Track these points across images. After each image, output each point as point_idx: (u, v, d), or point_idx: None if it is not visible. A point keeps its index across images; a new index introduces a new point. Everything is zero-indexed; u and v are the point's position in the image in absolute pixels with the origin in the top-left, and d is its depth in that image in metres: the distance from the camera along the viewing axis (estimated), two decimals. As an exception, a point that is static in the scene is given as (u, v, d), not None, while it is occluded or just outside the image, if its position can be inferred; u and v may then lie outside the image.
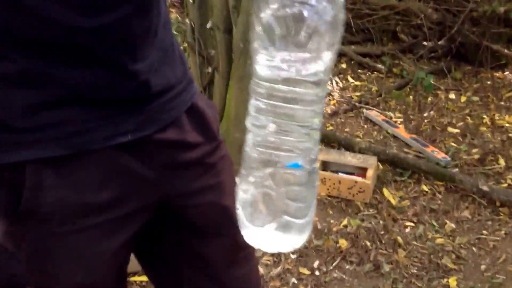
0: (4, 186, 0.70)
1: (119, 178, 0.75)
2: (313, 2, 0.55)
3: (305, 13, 0.54)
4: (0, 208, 0.73)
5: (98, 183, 0.73)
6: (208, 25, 2.48)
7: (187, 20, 2.61)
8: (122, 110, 0.72)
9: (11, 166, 0.69)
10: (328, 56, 0.58)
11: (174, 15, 4.42)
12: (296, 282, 1.92)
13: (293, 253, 2.05)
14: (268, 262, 2.00)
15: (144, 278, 1.81)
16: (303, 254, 2.06)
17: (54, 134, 0.69)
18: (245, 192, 0.63)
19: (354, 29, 4.35)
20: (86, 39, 0.66)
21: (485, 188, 2.47)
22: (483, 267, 2.04)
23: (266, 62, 0.57)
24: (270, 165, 0.61)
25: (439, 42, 4.16)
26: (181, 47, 2.80)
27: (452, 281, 1.94)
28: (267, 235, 0.63)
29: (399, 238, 2.17)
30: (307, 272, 1.97)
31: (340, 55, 4.21)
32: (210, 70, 2.54)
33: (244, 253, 0.90)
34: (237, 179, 0.65)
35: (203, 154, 0.84)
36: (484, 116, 3.34)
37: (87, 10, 0.65)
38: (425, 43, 4.22)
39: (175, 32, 2.85)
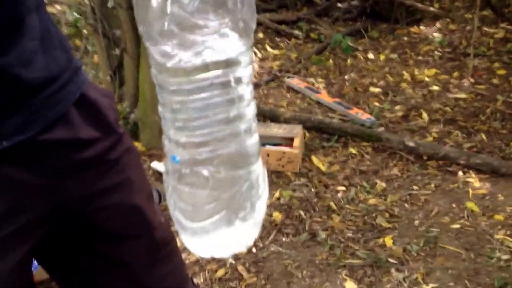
0: None
1: (4, 191, 0.67)
2: None
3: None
4: None
5: None
6: (110, 4, 2.36)
7: (86, 1, 2.48)
8: None
9: None
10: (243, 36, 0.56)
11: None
12: (233, 262, 1.90)
13: (226, 233, 2.02)
14: (202, 246, 1.97)
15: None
16: (237, 233, 2.04)
17: None
18: (174, 199, 0.62)
19: (267, -3, 4.34)
20: None
21: (411, 144, 2.55)
22: (416, 222, 2.11)
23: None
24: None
25: (353, 2, 4.23)
26: (84, 31, 2.64)
27: (388, 240, 1.99)
28: (202, 241, 0.62)
29: (332, 203, 2.20)
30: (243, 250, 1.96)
31: (256, 25, 4.18)
32: (118, 51, 2.43)
33: (166, 250, 0.85)
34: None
35: (102, 150, 0.76)
36: (404, 73, 3.44)
37: None
38: (339, 4, 4.28)
39: (76, 15, 2.70)
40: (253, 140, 0.61)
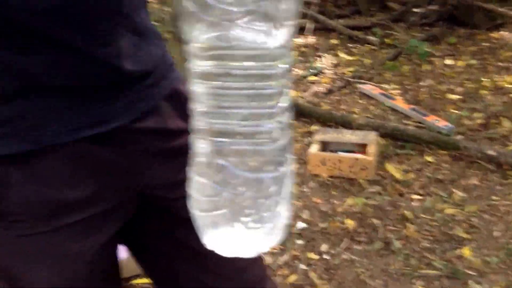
0: None
1: (93, 173, 0.71)
2: None
3: None
4: None
5: (69, 179, 0.70)
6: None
7: (166, 8, 2.57)
8: (93, 100, 0.68)
9: None
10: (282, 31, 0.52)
11: (153, 3, 4.37)
12: (305, 268, 1.90)
13: (299, 238, 2.03)
14: (275, 250, 1.99)
15: (145, 281, 1.79)
16: (309, 239, 2.04)
17: (16, 128, 0.65)
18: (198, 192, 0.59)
19: (340, 3, 4.32)
20: (39, 21, 0.61)
21: (491, 152, 2.46)
22: (496, 233, 2.03)
23: (199, 35, 0.52)
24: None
25: (430, 7, 4.13)
26: (164, 36, 2.75)
27: (466, 251, 1.93)
28: (223, 238, 0.59)
29: (407, 212, 2.15)
30: (315, 257, 1.95)
31: (329, 30, 4.18)
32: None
33: None
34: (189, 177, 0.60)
35: (188, 142, 0.80)
36: (484, 79, 3.32)
37: None
38: (415, 9, 4.19)
39: (155, 23, 2.81)
40: (274, 146, 0.56)
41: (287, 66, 0.55)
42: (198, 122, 0.56)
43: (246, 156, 0.55)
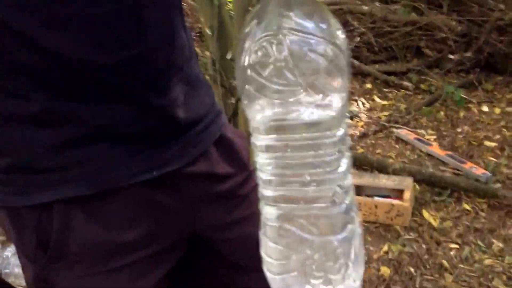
0: (32, 229, 0.72)
1: (148, 215, 0.76)
2: (304, 40, 0.50)
3: (297, 52, 0.51)
4: (29, 252, 0.74)
5: (128, 221, 0.75)
6: (229, 56, 2.54)
7: (207, 53, 2.68)
8: (149, 145, 0.74)
9: (38, 208, 0.70)
10: (336, 99, 0.55)
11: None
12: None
13: (334, 284, 2.04)
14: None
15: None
16: (344, 285, 2.05)
17: (79, 172, 0.70)
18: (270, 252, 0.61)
19: (376, 48, 4.40)
20: (106, 75, 0.67)
21: (531, 202, 2.45)
22: (537, 286, 2.01)
23: (258, 113, 0.55)
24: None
25: (466, 54, 4.17)
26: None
27: (506, 304, 1.92)
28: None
29: (444, 261, 2.15)
30: (350, 303, 1.96)
31: (365, 75, 4.25)
32: (233, 100, 2.59)
33: None
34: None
35: (235, 185, 0.85)
36: (522, 127, 3.33)
37: (106, 46, 0.66)
38: (451, 56, 4.24)
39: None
40: (338, 210, 0.57)
41: (342, 132, 0.57)
42: (263, 189, 0.60)
43: (311, 220, 0.57)
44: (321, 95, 0.53)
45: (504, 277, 2.07)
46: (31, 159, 0.69)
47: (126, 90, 0.70)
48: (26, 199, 0.70)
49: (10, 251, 2.20)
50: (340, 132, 0.57)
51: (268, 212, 0.60)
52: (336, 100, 0.55)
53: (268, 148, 0.57)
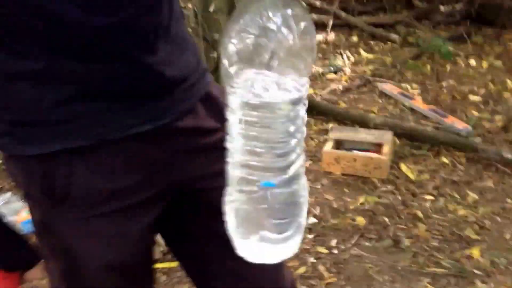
0: (39, 177, 0.81)
1: (140, 165, 0.85)
2: (272, 31, 0.63)
3: (266, 41, 0.63)
4: (36, 197, 0.84)
5: (122, 170, 0.83)
6: (211, 9, 2.56)
7: (189, 5, 2.69)
8: (141, 101, 0.82)
9: (44, 157, 0.80)
10: (299, 80, 0.66)
11: None
12: (314, 261, 2.01)
13: (310, 233, 2.14)
14: (284, 245, 2.10)
15: (166, 265, 1.91)
16: (320, 234, 2.14)
17: (81, 125, 0.79)
18: (230, 206, 0.73)
19: (364, -1, 4.40)
20: (101, 36, 0.75)
21: (509, 156, 2.53)
22: (507, 236, 2.11)
23: (237, 89, 0.66)
24: (248, 184, 0.69)
25: (457, 6, 4.18)
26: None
27: (475, 251, 2.01)
28: (252, 247, 0.73)
29: (418, 212, 2.25)
30: (325, 251, 2.06)
31: (351, 27, 4.26)
32: (215, 54, 2.62)
33: None
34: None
35: (220, 139, 0.92)
36: (508, 81, 3.38)
37: (100, 10, 0.74)
38: (441, 8, 4.25)
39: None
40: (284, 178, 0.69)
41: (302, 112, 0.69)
42: (242, 159, 0.70)
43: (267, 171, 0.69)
44: (281, 76, 0.65)
45: (476, 227, 2.17)
46: (38, 113, 0.79)
47: (118, 50, 0.78)
48: (33, 148, 0.80)
49: (2, 200, 2.28)
50: (298, 112, 0.69)
51: (232, 175, 0.72)
52: (299, 81, 0.67)
53: (240, 120, 0.68)
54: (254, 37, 0.63)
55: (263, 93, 0.65)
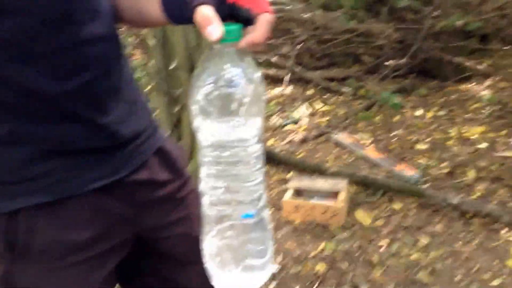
0: (1, 233, 0.84)
1: (99, 218, 0.89)
2: (235, 83, 0.71)
3: (231, 92, 0.71)
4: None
5: (82, 223, 0.87)
6: (173, 65, 2.65)
7: (151, 62, 2.77)
8: (99, 158, 0.87)
9: (6, 215, 0.84)
10: (257, 122, 0.74)
11: (138, 56, 4.59)
12: (278, 310, 2.05)
13: (272, 280, 2.18)
14: (249, 293, 2.13)
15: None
16: (282, 282, 2.19)
17: (43, 183, 0.84)
18: (210, 246, 0.79)
19: (318, 55, 4.58)
20: (60, 100, 0.81)
21: (455, 201, 2.66)
22: (457, 278, 2.20)
23: (206, 134, 0.73)
24: (227, 219, 0.76)
25: (402, 61, 4.41)
26: (148, 88, 2.93)
27: (428, 294, 2.10)
28: (236, 278, 0.78)
29: (374, 257, 2.33)
30: (287, 299, 2.11)
31: (307, 82, 4.43)
32: (177, 108, 2.70)
33: None
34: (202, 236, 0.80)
35: (173, 190, 0.99)
36: (451, 130, 3.56)
37: (58, 77, 0.80)
38: (388, 62, 4.47)
39: (140, 75, 3.02)
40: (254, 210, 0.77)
41: (259, 149, 0.76)
42: (218, 197, 0.76)
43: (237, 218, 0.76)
44: (245, 119, 0.73)
45: (429, 270, 2.26)
46: (2, 174, 0.83)
47: (76, 113, 0.83)
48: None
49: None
50: (258, 148, 0.76)
51: (208, 214, 0.78)
52: (257, 122, 0.75)
53: (207, 161, 0.75)
54: (218, 87, 0.70)
55: (231, 133, 0.72)
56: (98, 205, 0.89)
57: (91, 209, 0.88)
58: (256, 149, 0.75)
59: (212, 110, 0.71)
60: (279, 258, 2.33)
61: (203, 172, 0.76)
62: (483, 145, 3.31)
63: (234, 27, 0.70)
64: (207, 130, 0.73)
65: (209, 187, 0.76)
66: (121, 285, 1.07)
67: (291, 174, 3.02)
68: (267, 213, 0.80)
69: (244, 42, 0.71)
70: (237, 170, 0.74)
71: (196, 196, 1.02)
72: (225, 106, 0.71)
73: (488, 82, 4.29)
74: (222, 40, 0.69)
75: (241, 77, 0.71)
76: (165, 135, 1.02)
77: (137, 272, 1.05)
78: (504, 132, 3.46)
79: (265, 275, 0.80)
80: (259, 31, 0.71)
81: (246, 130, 0.73)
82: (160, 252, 1.01)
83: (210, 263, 0.79)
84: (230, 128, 0.72)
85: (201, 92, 0.71)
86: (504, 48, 4.57)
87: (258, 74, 0.73)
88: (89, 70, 0.83)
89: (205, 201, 0.77)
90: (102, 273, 0.92)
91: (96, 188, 0.88)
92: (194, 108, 0.73)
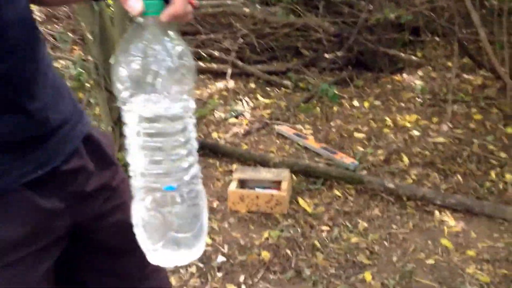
0: None
1: (32, 215, 0.86)
2: (158, 57, 0.71)
3: (154, 65, 0.71)
4: None
5: (15, 221, 0.84)
6: (112, 60, 2.59)
7: (90, 57, 2.71)
8: (30, 148, 0.85)
9: None
10: (183, 95, 0.75)
11: (78, 52, 4.48)
12: (225, 297, 2.06)
13: (219, 270, 2.19)
14: (196, 284, 2.13)
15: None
16: (228, 271, 2.20)
17: None
18: (137, 217, 0.78)
19: (258, 49, 4.60)
20: None
21: (391, 185, 2.74)
22: (394, 258, 2.28)
23: (131, 108, 0.73)
24: (151, 191, 0.76)
25: (339, 53, 4.49)
26: (87, 84, 2.84)
27: (368, 275, 2.15)
28: (163, 252, 0.78)
29: (316, 242, 2.37)
30: (234, 287, 2.12)
31: (248, 75, 4.45)
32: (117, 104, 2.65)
33: (153, 266, 1.03)
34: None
35: (105, 179, 0.97)
36: (387, 119, 3.66)
37: None
38: (326, 55, 4.55)
39: (80, 70, 2.93)
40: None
41: (189, 125, 0.77)
42: (142, 169, 0.76)
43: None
44: (168, 92, 0.73)
45: (367, 252, 2.32)
46: None
47: (3, 100, 0.79)
48: None
49: None
50: (187, 124, 0.76)
51: (134, 185, 0.78)
52: (183, 95, 0.75)
53: (138, 133, 0.75)
54: (141, 62, 0.71)
55: (155, 107, 0.72)
56: (30, 202, 0.86)
57: (23, 207, 0.85)
58: (182, 122, 0.75)
59: (136, 84, 0.72)
60: (225, 249, 2.34)
61: (127, 144, 0.76)
62: (417, 132, 3.43)
63: (155, 1, 0.71)
64: (132, 104, 0.73)
65: (133, 158, 0.76)
66: (60, 285, 1.04)
67: (235, 165, 3.03)
68: (198, 189, 0.79)
69: (164, 15, 0.71)
70: (161, 143, 0.74)
71: (128, 184, 1.01)
72: (148, 80, 0.71)
73: (420, 72, 4.44)
74: (143, 13, 0.70)
75: (163, 50, 0.72)
76: (91, 123, 1.00)
77: (74, 269, 1.02)
78: (435, 119, 3.59)
79: (195, 252, 0.80)
80: (177, 3, 0.71)
81: (171, 103, 0.73)
82: (97, 245, 0.99)
83: (139, 237, 0.79)
84: (154, 101, 0.72)
85: (125, 67, 0.72)
86: (435, 39, 4.74)
87: (181, 47, 0.74)
88: (13, 54, 0.80)
89: (131, 172, 0.77)
90: (40, 271, 0.90)
91: (31, 182, 0.84)
92: (118, 83, 0.73)
